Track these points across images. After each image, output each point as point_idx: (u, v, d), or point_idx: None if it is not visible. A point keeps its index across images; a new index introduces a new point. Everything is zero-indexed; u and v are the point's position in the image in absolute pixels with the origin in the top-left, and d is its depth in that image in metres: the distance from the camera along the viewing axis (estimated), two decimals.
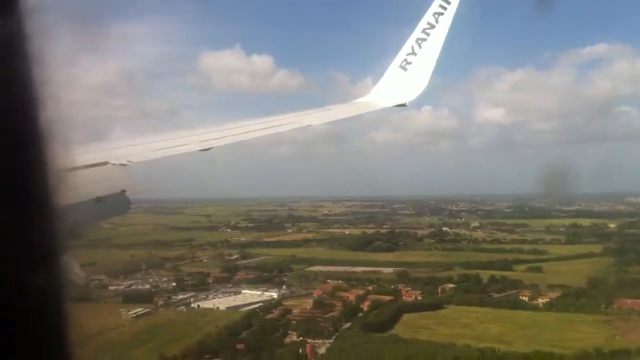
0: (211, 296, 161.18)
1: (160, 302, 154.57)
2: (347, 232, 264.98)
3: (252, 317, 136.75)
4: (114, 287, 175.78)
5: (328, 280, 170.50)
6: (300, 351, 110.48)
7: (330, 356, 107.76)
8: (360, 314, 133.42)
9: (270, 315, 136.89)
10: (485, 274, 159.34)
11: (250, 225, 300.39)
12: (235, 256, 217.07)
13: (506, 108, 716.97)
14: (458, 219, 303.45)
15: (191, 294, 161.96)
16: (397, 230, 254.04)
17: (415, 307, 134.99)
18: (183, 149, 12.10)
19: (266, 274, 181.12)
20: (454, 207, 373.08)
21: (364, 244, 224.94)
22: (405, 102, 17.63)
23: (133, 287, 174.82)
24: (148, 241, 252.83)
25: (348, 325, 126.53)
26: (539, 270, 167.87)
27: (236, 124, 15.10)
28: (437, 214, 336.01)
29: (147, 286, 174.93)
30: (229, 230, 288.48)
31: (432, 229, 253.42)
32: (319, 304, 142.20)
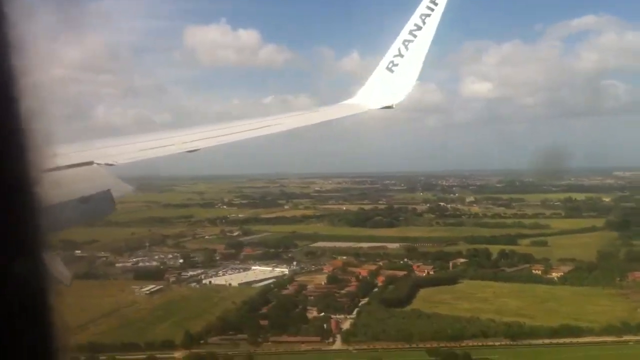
0: (221, 272, 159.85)
1: (172, 279, 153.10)
2: (345, 208, 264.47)
3: (267, 293, 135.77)
4: (120, 265, 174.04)
5: (336, 257, 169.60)
6: (325, 326, 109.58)
7: (357, 331, 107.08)
8: (376, 289, 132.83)
9: (286, 291, 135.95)
10: (494, 249, 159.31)
11: (244, 202, 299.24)
12: (237, 233, 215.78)
13: (493, 82, 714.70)
14: (452, 195, 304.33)
15: (201, 270, 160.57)
16: (395, 206, 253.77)
17: (430, 282, 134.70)
18: (169, 149, 12.05)
19: (272, 250, 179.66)
20: (445, 183, 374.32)
21: (364, 219, 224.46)
22: (392, 104, 17.42)
23: (140, 264, 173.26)
24: (145, 219, 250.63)
25: (366, 300, 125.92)
26: (544, 244, 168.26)
27: (223, 125, 15.15)
28: (429, 190, 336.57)
29: (154, 263, 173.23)
30: (225, 207, 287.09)
31: (430, 205, 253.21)
32: (333, 279, 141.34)
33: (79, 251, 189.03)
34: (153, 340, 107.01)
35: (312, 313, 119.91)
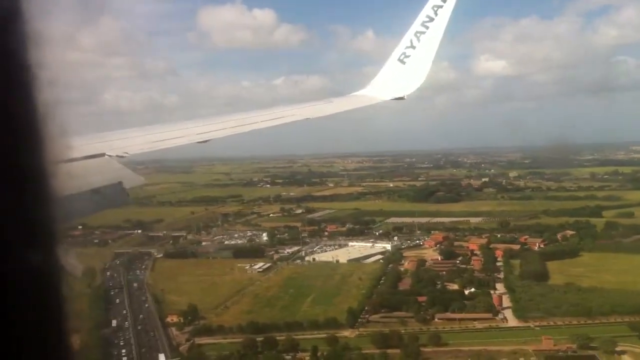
0: (317, 249, 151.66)
1: (275, 257, 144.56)
2: (392, 185, 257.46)
3: (387, 268, 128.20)
4: (206, 243, 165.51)
5: (424, 231, 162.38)
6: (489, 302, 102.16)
7: (525, 307, 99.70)
8: (499, 263, 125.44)
9: (405, 266, 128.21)
10: (594, 221, 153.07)
11: (280, 181, 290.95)
12: (300, 211, 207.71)
13: (508, 60, 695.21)
14: (487, 170, 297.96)
15: (296, 247, 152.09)
16: (448, 182, 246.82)
17: (552, 256, 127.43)
18: (181, 140, 11.71)
19: (358, 226, 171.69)
20: (466, 160, 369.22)
21: (425, 195, 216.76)
22: (403, 96, 16.97)
23: (225, 242, 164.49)
24: (195, 198, 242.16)
25: (501, 275, 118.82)
26: (631, 215, 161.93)
27: (236, 116, 14.78)
28: (457, 167, 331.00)
29: (240, 241, 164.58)
30: (268, 186, 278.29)
31: (484, 180, 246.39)
32: (448, 254, 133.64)
33: (151, 232, 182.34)
34: (312, 319, 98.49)
35: (453, 287, 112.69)
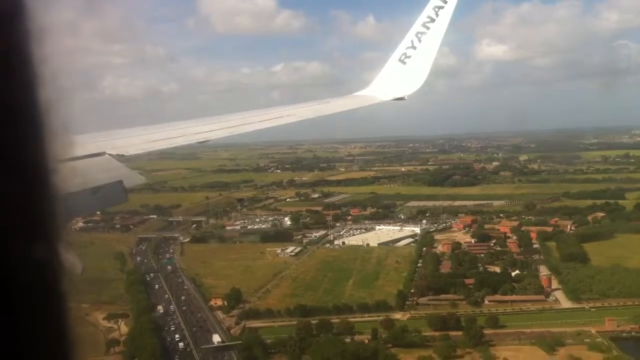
0: (344, 233, 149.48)
1: (304, 241, 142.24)
2: (403, 169, 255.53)
3: (420, 251, 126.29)
4: (230, 227, 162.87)
5: (448, 214, 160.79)
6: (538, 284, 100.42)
7: (575, 288, 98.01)
8: (536, 245, 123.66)
9: (440, 249, 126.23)
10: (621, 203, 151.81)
11: (288, 166, 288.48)
12: (317, 195, 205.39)
13: (508, 44, 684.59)
14: (495, 154, 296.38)
15: (322, 231, 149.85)
16: (461, 166, 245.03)
17: (588, 237, 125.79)
18: (179, 140, 11.75)
19: (380, 209, 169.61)
20: (470, 144, 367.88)
21: (441, 179, 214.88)
22: (404, 96, 16.78)
23: (249, 227, 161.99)
24: (206, 183, 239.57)
25: (540, 257, 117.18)
26: None
27: (237, 115, 14.66)
28: (464, 151, 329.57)
29: (263, 226, 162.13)
30: (278, 171, 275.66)
31: (495, 164, 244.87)
32: (481, 237, 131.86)
33: (170, 217, 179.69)
34: (360, 302, 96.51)
35: (495, 269, 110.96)
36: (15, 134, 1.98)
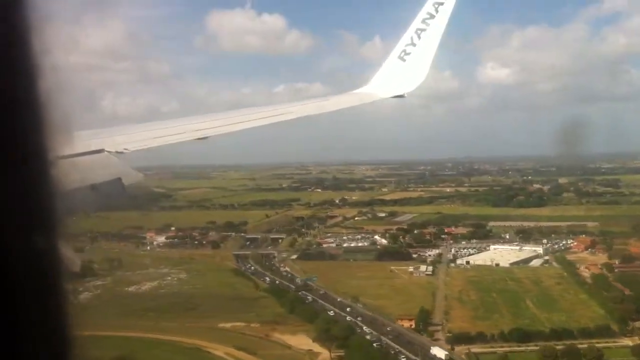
0: (457, 253, 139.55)
1: (429, 260, 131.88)
2: (448, 190, 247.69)
3: (568, 271, 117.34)
4: (326, 245, 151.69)
5: (559, 235, 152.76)
6: None
7: None
8: None
9: (589, 270, 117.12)
10: None
11: (323, 186, 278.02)
12: (384, 214, 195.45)
13: (512, 68, 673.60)
14: (524, 177, 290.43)
15: (433, 251, 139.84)
16: (515, 187, 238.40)
17: None
18: (180, 137, 11.44)
19: (478, 229, 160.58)
20: (487, 167, 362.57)
21: (504, 200, 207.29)
22: (403, 93, 16.37)
23: (345, 244, 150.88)
24: (255, 202, 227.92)
25: None
26: None
27: (236, 112, 14.44)
28: (483, 174, 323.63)
29: (360, 244, 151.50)
30: (319, 190, 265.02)
31: (549, 186, 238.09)
32: (625, 258, 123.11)
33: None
34: (581, 328, 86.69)
35: None
36: (15, 126, 1.92)
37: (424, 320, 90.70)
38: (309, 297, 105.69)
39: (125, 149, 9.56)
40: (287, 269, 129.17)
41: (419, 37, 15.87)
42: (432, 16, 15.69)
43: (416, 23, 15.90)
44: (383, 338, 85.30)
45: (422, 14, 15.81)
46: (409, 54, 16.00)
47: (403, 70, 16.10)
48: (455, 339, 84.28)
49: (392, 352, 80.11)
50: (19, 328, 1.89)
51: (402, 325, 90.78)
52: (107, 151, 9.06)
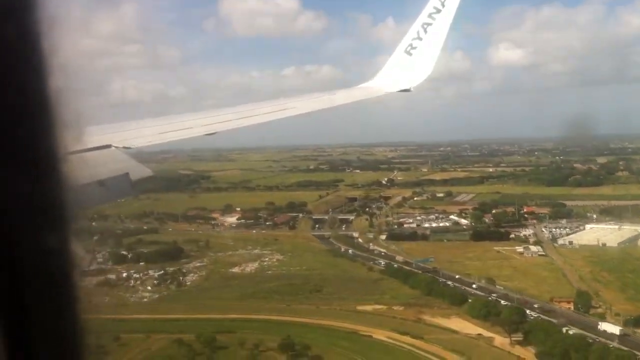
0: (546, 232, 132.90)
1: (532, 240, 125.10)
2: (491, 170, 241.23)
3: None
4: (407, 226, 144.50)
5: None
6: None
7: None
8: None
9: None
10: None
11: (359, 166, 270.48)
12: (442, 194, 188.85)
13: (525, 49, 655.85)
14: (556, 157, 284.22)
15: (527, 231, 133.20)
16: (554, 166, 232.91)
17: None
18: (186, 133, 11.25)
19: (559, 209, 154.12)
20: (507, 148, 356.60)
21: (560, 179, 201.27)
22: (409, 87, 15.90)
23: (425, 224, 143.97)
24: (296, 183, 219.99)
25: None
26: None
27: (241, 107, 14.29)
28: (508, 155, 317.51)
29: (442, 224, 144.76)
30: (358, 171, 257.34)
31: (591, 165, 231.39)
32: None
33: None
34: None
35: None
36: (25, 124, 1.91)
37: (584, 303, 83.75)
38: (440, 279, 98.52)
39: (132, 144, 9.30)
40: (381, 249, 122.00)
41: (425, 31, 15.66)
42: (438, 10, 15.46)
43: (422, 17, 15.65)
44: (554, 320, 78.42)
45: (429, 7, 15.55)
46: (415, 48, 15.80)
47: (409, 65, 15.87)
48: (630, 321, 77.61)
49: (578, 335, 72.98)
50: (31, 322, 1.87)
51: (561, 306, 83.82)
52: (114, 146, 8.88)
